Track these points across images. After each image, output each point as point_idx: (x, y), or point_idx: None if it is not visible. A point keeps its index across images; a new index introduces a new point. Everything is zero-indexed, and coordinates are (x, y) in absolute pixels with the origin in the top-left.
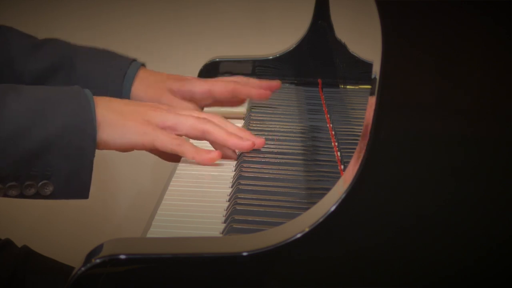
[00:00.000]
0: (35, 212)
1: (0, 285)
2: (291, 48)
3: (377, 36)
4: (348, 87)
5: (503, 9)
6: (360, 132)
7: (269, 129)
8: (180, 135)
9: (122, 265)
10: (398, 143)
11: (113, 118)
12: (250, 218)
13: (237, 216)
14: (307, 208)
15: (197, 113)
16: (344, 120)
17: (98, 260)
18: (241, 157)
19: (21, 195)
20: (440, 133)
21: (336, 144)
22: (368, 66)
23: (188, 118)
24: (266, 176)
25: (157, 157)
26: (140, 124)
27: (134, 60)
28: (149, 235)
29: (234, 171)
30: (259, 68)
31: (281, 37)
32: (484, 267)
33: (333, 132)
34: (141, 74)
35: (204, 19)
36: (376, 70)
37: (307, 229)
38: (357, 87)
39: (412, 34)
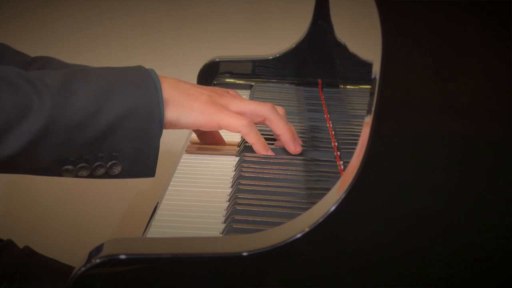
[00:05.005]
0: (37, 213)
1: (1, 285)
2: (291, 48)
3: (377, 36)
4: (348, 87)
5: (503, 9)
6: (360, 132)
7: (269, 129)
8: None
9: (122, 265)
10: (398, 143)
11: (180, 99)
12: (250, 218)
13: (237, 216)
14: (307, 208)
15: (256, 101)
16: (344, 120)
17: (98, 260)
18: (241, 157)
19: (91, 175)
20: (440, 133)
21: (336, 144)
22: (368, 66)
23: (251, 104)
24: (266, 176)
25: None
26: (206, 105)
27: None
28: (149, 235)
29: (234, 171)
30: (259, 68)
31: (281, 37)
32: (484, 267)
33: (333, 132)
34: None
35: (204, 19)
36: (376, 70)
37: (307, 229)
38: (357, 87)
39: (412, 34)
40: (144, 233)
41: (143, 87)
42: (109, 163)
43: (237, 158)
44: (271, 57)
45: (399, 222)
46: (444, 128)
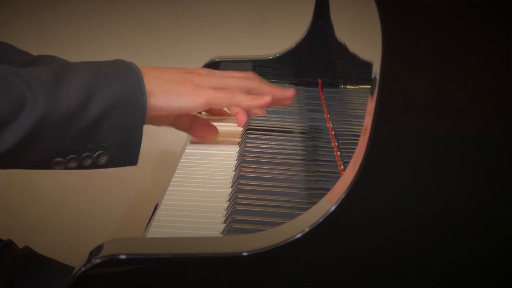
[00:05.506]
0: (37, 213)
1: (1, 285)
2: (291, 48)
3: (377, 36)
4: (348, 87)
5: (503, 9)
6: (360, 132)
7: (269, 128)
8: None
9: (122, 265)
10: (398, 143)
11: (164, 86)
12: (250, 218)
13: (237, 216)
14: (307, 208)
15: (236, 73)
16: (344, 120)
17: (98, 260)
18: (241, 157)
19: (79, 167)
20: (440, 133)
21: (336, 144)
22: (368, 66)
23: (232, 79)
24: (266, 176)
25: (157, 157)
26: (191, 88)
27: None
28: (149, 235)
29: (234, 171)
30: (259, 68)
31: (281, 37)
32: (484, 267)
33: (333, 132)
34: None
35: (204, 19)
36: (376, 70)
37: (307, 229)
38: (357, 87)
39: (412, 34)
40: (144, 233)
41: (126, 78)
42: (96, 153)
43: (237, 159)
44: (271, 57)
45: (399, 222)
46: (444, 128)
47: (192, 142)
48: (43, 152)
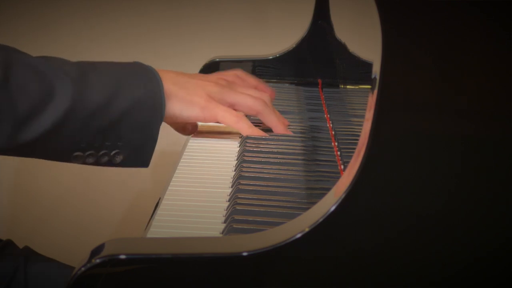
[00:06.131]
0: (37, 213)
1: (1, 285)
2: (291, 48)
3: (377, 36)
4: (348, 87)
5: (503, 9)
6: (360, 132)
7: (269, 128)
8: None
9: (122, 265)
10: (398, 143)
11: (180, 93)
12: (250, 218)
13: (237, 216)
14: (307, 208)
15: (252, 92)
16: (344, 120)
17: (98, 260)
18: (241, 157)
19: (96, 163)
20: (440, 133)
21: (336, 144)
22: (368, 66)
23: (246, 98)
24: (266, 176)
25: (157, 157)
26: (204, 100)
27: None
28: (149, 235)
29: (234, 171)
30: (259, 68)
31: (281, 37)
32: (484, 267)
33: (333, 132)
34: None
35: (204, 19)
36: (376, 70)
37: (307, 229)
38: (357, 87)
39: (412, 34)
40: (144, 233)
41: (148, 80)
42: (113, 152)
43: (237, 159)
44: (271, 57)
45: (399, 222)
46: (444, 128)
47: (194, 137)
48: (65, 145)
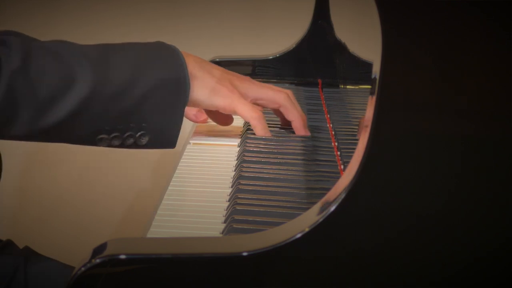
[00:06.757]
0: (37, 213)
1: (1, 285)
2: (291, 48)
3: (377, 36)
4: (348, 87)
5: (503, 9)
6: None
7: (269, 128)
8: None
9: (122, 265)
10: (397, 143)
11: (205, 78)
12: (250, 218)
13: (237, 216)
14: (307, 208)
15: (274, 87)
16: (344, 120)
17: (98, 260)
18: (241, 157)
19: (122, 145)
20: (440, 133)
21: (336, 144)
22: (368, 66)
23: (269, 91)
24: (266, 176)
25: (157, 157)
26: (228, 90)
27: None
28: (149, 235)
29: (234, 171)
30: (259, 68)
31: (281, 37)
32: (484, 267)
33: (333, 132)
34: None
35: (203, 19)
36: (376, 70)
37: (307, 229)
38: (357, 87)
39: (412, 34)
40: (144, 233)
41: (172, 61)
42: (138, 134)
43: (237, 159)
44: (271, 57)
45: (399, 222)
46: (444, 128)
47: (194, 137)
48: (89, 128)
